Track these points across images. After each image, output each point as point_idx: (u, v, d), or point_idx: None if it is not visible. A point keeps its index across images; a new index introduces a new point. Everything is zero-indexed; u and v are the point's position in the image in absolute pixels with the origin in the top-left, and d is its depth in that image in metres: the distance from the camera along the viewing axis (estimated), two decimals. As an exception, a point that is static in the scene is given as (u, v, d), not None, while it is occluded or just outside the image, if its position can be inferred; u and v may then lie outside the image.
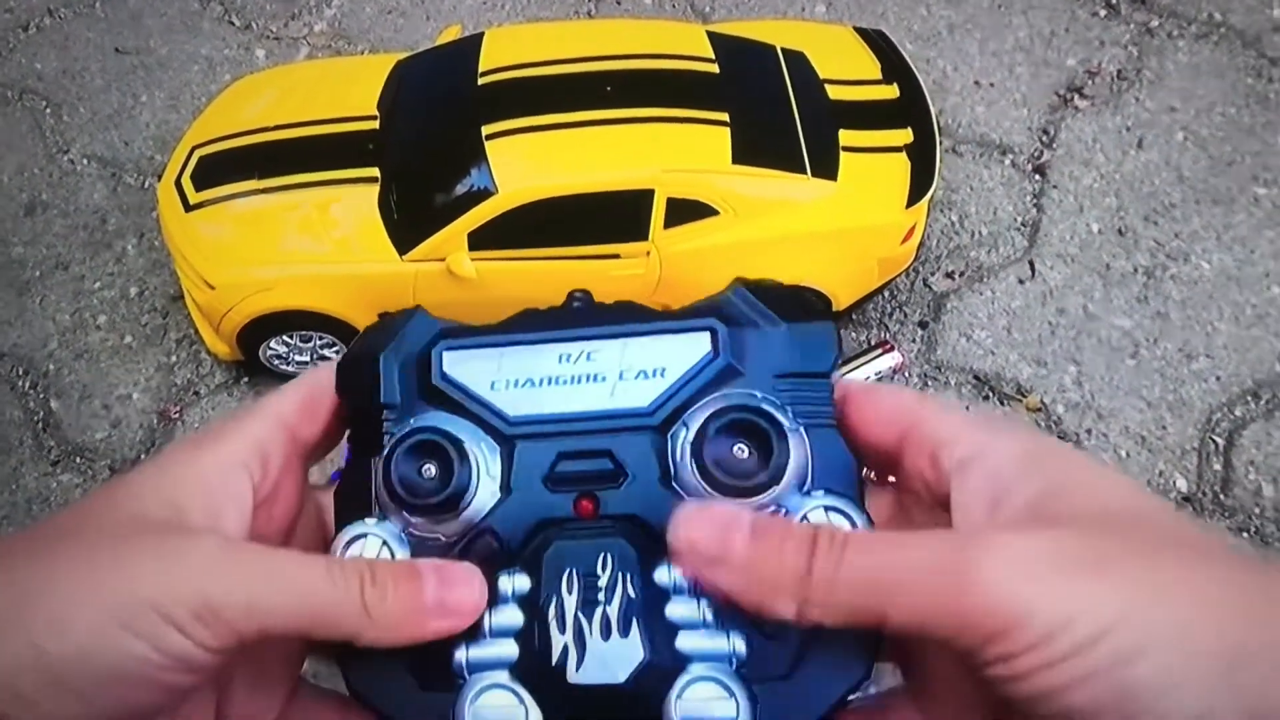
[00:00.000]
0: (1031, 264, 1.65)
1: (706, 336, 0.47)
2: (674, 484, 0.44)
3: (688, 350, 0.47)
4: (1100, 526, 0.37)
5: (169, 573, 0.38)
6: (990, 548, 0.36)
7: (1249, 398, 1.53)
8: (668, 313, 0.49)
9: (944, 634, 0.36)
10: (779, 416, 0.43)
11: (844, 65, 1.54)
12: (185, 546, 0.39)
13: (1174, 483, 1.46)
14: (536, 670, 0.41)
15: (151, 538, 0.40)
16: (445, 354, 0.48)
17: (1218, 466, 1.47)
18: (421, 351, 0.48)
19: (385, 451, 0.44)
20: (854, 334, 1.59)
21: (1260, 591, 0.36)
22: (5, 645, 0.37)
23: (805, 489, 0.43)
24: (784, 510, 0.42)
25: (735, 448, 0.43)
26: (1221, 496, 1.45)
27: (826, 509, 0.42)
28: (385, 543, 0.43)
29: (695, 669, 0.40)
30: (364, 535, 0.43)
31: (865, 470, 0.45)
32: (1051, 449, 0.41)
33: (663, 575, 0.41)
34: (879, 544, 0.38)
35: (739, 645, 0.40)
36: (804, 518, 0.42)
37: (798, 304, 0.48)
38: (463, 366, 0.47)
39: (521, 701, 0.41)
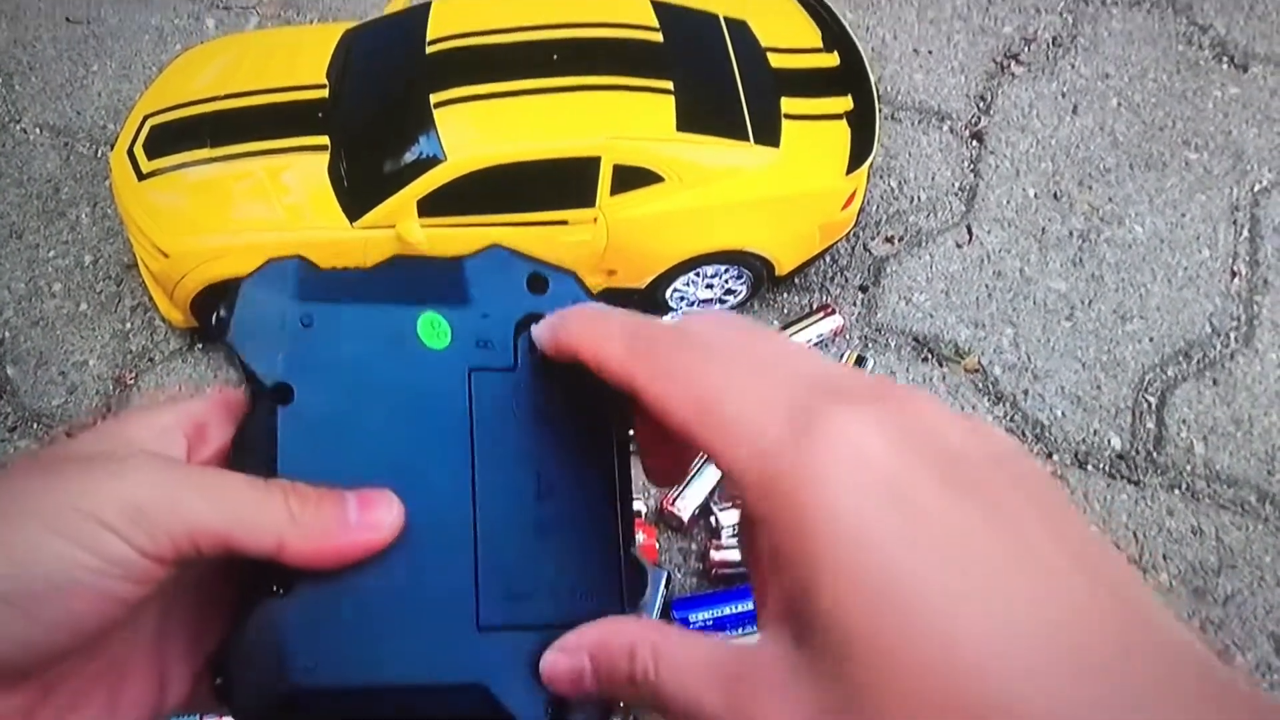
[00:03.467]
0: (969, 228, 1.68)
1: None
2: None
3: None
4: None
5: (101, 484, 0.40)
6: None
7: (1181, 358, 1.58)
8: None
9: None
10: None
11: (785, 34, 1.56)
12: (114, 466, 0.41)
13: (1109, 441, 1.50)
14: None
15: (83, 462, 0.41)
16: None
17: (1151, 425, 1.52)
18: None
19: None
20: (796, 298, 1.62)
21: None
22: None
23: None
24: None
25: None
26: (1154, 455, 1.49)
27: None
28: None
29: None
30: None
31: None
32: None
33: None
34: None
35: None
36: None
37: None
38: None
39: None
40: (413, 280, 0.51)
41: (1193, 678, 0.33)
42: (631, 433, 0.50)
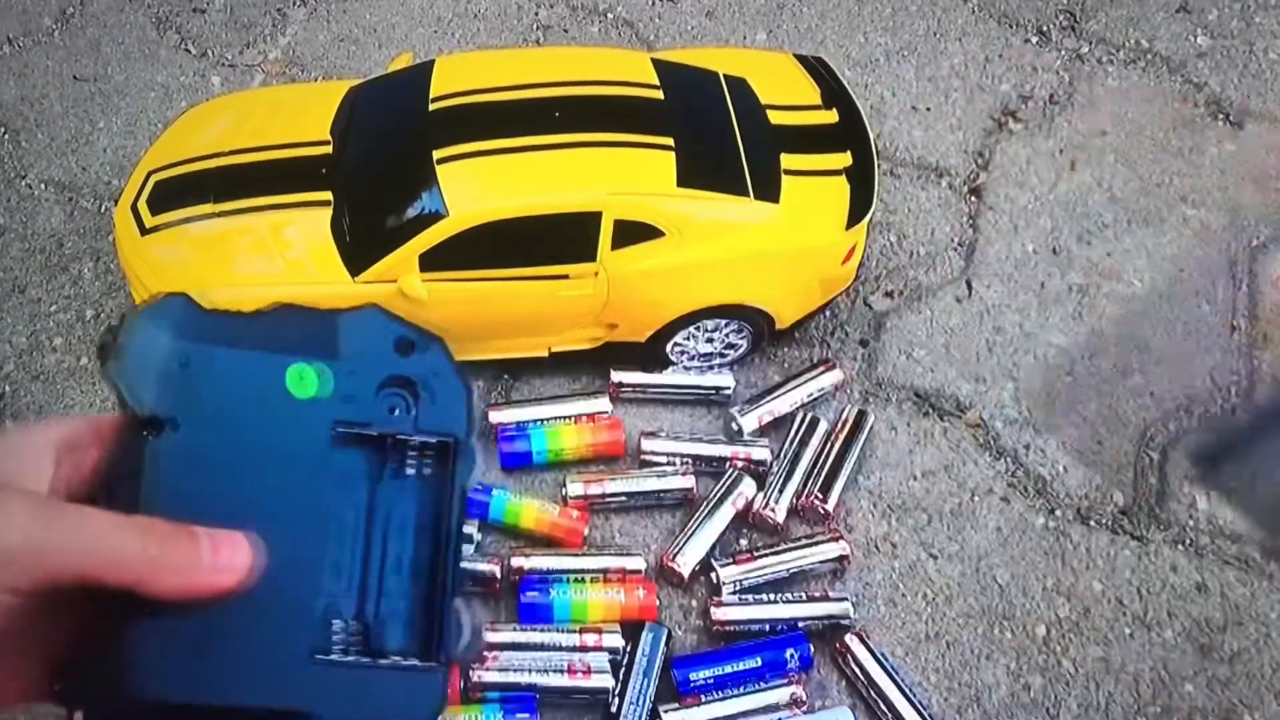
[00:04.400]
0: (969, 283, 1.69)
1: None
2: None
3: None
4: None
5: None
6: None
7: (1182, 412, 1.57)
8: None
9: None
10: None
11: (784, 91, 1.58)
12: None
13: (1111, 496, 1.50)
14: None
15: None
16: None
17: (1153, 480, 1.51)
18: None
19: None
20: (796, 352, 1.62)
21: None
22: None
23: None
24: None
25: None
26: (1157, 510, 1.49)
27: None
28: None
29: None
30: None
31: None
32: None
33: None
34: None
35: None
36: None
37: None
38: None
39: None
40: (289, 330, 0.54)
41: None
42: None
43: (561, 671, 1.28)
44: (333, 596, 0.53)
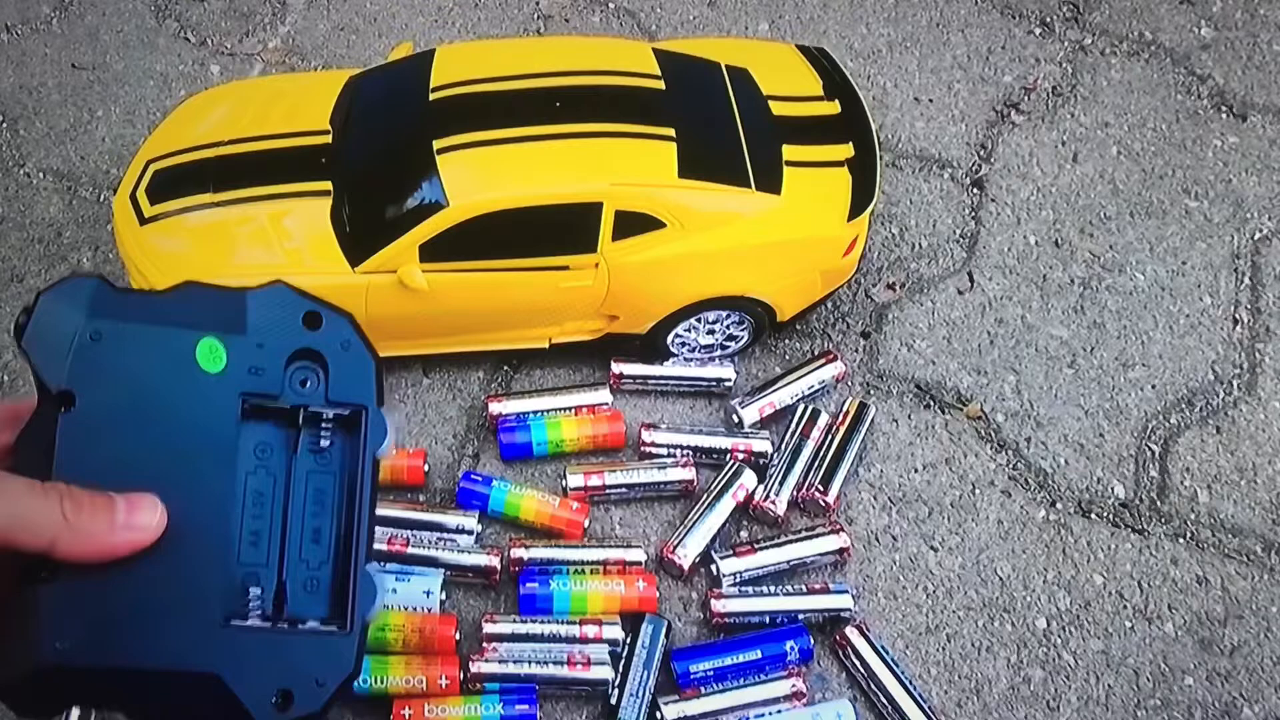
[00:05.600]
0: (970, 275, 1.69)
1: None
2: None
3: None
4: None
5: None
6: None
7: (1184, 405, 1.57)
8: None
9: None
10: None
11: (787, 82, 1.57)
12: None
13: (1112, 489, 1.49)
14: None
15: None
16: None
17: (1154, 473, 1.51)
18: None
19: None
20: (797, 344, 1.62)
21: None
22: None
23: None
24: None
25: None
26: (1158, 503, 1.49)
27: None
28: None
29: None
30: None
31: None
32: None
33: None
34: None
35: None
36: None
37: None
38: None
39: None
40: (198, 307, 0.57)
41: None
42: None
43: (561, 663, 1.28)
44: (253, 566, 0.55)
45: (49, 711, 0.51)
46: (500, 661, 1.29)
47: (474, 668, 1.28)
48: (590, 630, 1.32)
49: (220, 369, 0.56)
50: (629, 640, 1.33)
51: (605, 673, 1.29)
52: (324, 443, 0.58)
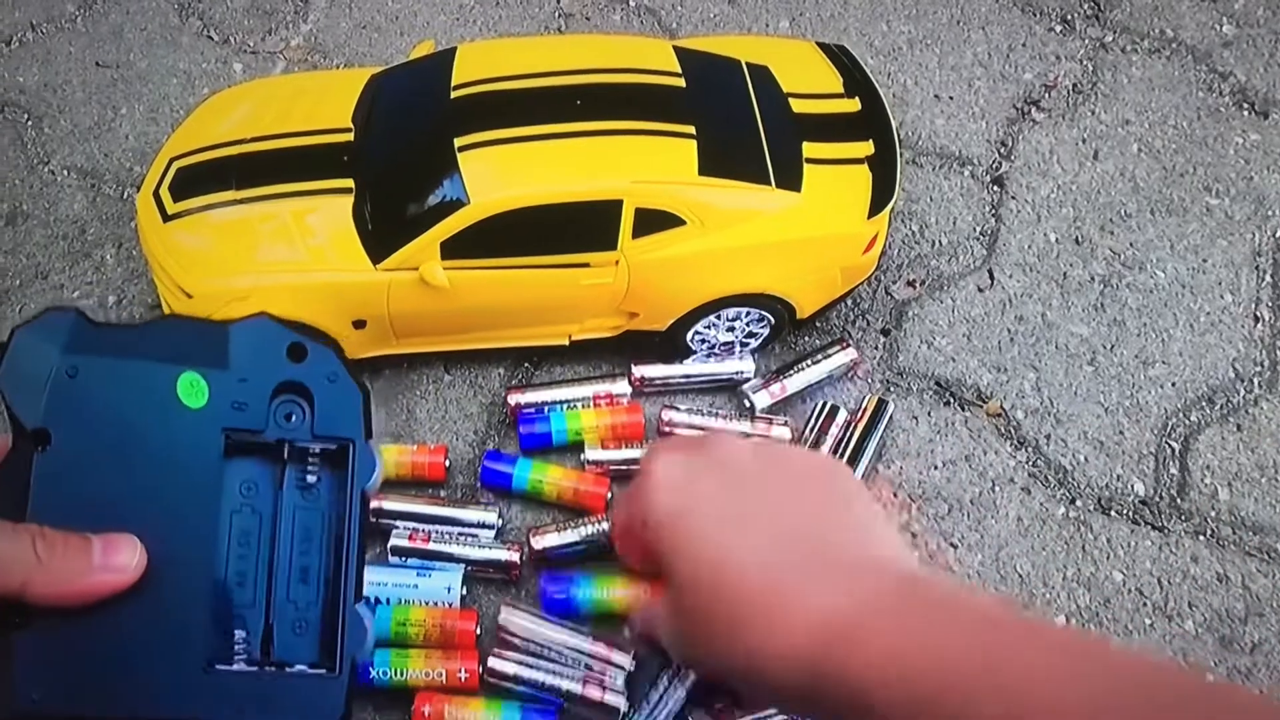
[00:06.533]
0: (991, 273, 1.68)
1: None
2: None
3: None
4: None
5: None
6: None
7: (1204, 403, 1.57)
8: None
9: None
10: None
11: (807, 79, 1.57)
12: None
13: (1132, 486, 1.49)
14: None
15: None
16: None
17: (1174, 471, 1.51)
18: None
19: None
20: (817, 341, 1.62)
21: None
22: None
23: None
24: None
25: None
26: (1178, 500, 1.48)
27: None
28: None
29: None
30: None
31: None
32: None
33: None
34: None
35: None
36: None
37: None
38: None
39: None
40: (179, 340, 0.56)
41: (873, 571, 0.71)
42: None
43: (578, 681, 1.27)
44: (239, 608, 0.54)
45: None
46: (517, 662, 1.27)
47: (490, 663, 1.27)
48: (602, 650, 1.30)
49: (202, 404, 0.55)
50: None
51: (618, 702, 1.26)
52: (311, 478, 0.57)
